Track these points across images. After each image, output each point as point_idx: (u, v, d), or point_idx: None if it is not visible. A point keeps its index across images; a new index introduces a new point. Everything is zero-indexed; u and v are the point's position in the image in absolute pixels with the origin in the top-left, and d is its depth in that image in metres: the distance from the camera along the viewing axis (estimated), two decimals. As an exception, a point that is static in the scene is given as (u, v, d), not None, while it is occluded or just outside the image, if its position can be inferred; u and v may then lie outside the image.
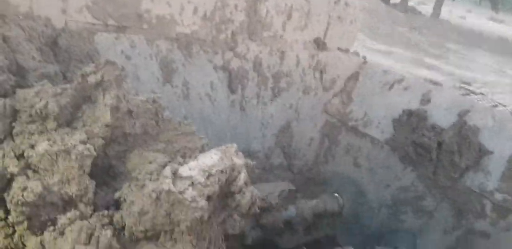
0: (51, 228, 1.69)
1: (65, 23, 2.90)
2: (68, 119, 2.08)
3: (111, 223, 1.85)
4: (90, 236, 1.63)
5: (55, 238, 1.63)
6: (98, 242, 1.63)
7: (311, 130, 4.53)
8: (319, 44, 4.29)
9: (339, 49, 4.47)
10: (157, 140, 2.32)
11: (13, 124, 2.03)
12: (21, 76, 2.44)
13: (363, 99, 4.29)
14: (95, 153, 1.90)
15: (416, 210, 3.88)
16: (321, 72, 4.35)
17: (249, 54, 3.91)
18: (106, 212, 1.85)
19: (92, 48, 2.99)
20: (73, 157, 1.84)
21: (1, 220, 1.83)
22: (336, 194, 4.23)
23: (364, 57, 4.43)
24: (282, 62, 4.14)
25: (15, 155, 1.90)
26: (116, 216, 1.87)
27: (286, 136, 4.45)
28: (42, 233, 1.73)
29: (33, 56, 2.57)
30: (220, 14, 3.60)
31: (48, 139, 1.90)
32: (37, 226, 1.79)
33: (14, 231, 1.82)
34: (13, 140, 1.98)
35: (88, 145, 1.90)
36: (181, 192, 1.84)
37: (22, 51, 2.55)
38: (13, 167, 1.83)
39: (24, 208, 1.73)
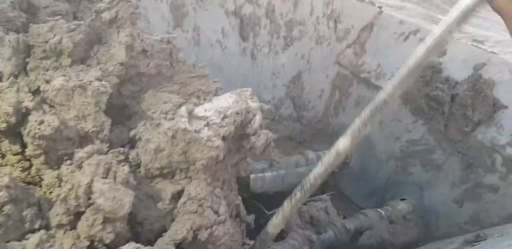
0: (68, 162, 1.69)
1: (74, -39, 2.80)
2: (82, 57, 2.04)
3: (127, 160, 1.85)
4: (107, 170, 1.64)
5: (72, 171, 1.63)
6: (115, 177, 1.63)
7: (322, 81, 4.47)
8: (335, -8, 4.15)
9: (354, -3, 4.32)
10: (171, 82, 2.28)
11: (27, 59, 2.00)
12: (32, 13, 2.38)
13: (377, 51, 4.19)
14: (110, 90, 1.88)
15: (425, 163, 3.88)
16: (335, 22, 4.23)
17: (262, 0, 3.79)
18: (122, 149, 1.85)
19: (102, -12, 2.90)
20: (89, 93, 1.82)
21: (18, 154, 1.84)
22: (344, 146, 4.22)
23: (380, 7, 4.29)
24: (295, 10, 4.01)
25: (30, 90, 1.88)
26: (132, 154, 1.88)
27: (297, 86, 4.39)
28: (59, 167, 1.73)
29: (43, -6, 2.50)
30: (233, -44, 3.47)
31: (64, 75, 1.87)
32: (54, 160, 1.79)
33: (31, 165, 1.82)
34: (27, 76, 1.95)
35: (103, 82, 1.87)
36: (197, 131, 1.83)
37: (32, -12, 2.48)
38: (28, 101, 1.81)
39: (41, 142, 1.72)
